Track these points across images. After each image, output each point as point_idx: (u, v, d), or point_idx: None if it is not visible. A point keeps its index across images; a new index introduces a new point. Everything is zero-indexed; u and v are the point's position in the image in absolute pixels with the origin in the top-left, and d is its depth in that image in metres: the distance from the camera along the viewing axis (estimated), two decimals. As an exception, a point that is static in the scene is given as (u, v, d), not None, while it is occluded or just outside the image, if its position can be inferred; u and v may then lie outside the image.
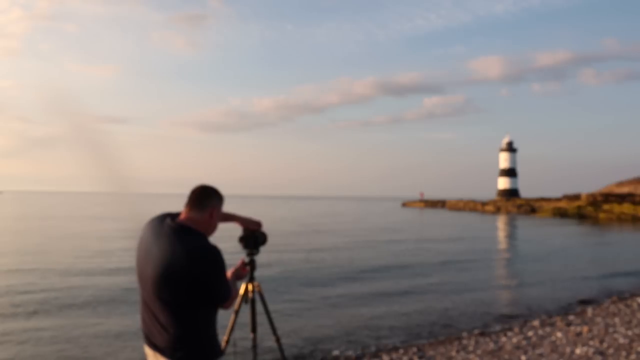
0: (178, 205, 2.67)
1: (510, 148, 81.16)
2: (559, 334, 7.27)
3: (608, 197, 53.74)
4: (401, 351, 6.83)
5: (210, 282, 2.28)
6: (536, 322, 8.30)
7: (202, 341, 2.38)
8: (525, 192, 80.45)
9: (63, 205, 76.63)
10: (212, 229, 2.47)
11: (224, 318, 4.05)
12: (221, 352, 2.45)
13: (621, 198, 52.27)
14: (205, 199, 2.42)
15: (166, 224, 2.36)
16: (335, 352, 7.00)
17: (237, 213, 2.93)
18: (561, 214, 54.07)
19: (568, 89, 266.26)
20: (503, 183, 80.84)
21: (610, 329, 7.47)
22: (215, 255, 2.29)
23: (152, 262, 2.29)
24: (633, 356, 6.00)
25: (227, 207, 2.68)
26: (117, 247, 19.11)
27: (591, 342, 6.73)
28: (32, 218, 40.16)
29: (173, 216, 2.42)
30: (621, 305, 9.63)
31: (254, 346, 3.38)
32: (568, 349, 6.44)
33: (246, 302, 3.34)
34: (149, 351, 2.43)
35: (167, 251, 2.26)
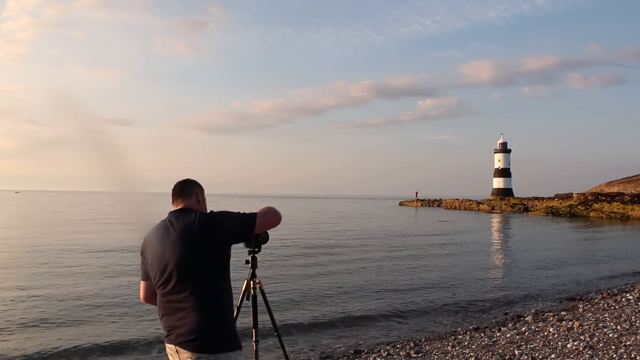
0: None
1: (505, 149, 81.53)
2: (551, 329, 7.43)
3: (598, 196, 54.18)
4: (398, 346, 6.96)
5: (224, 222, 2.44)
6: (529, 318, 8.46)
7: (226, 326, 2.42)
8: (519, 191, 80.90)
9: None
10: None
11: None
12: (240, 346, 2.47)
13: (611, 197, 52.74)
14: (187, 187, 2.63)
15: (166, 218, 2.54)
16: (335, 347, 7.12)
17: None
18: (553, 212, 54.48)
19: (556, 93, 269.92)
20: (498, 183, 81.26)
21: (601, 324, 7.64)
22: (217, 213, 2.50)
23: (168, 248, 2.42)
24: (622, 350, 6.16)
25: (229, 206, 2.79)
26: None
27: (582, 337, 6.88)
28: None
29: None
30: (611, 301, 9.82)
31: (256, 342, 3.48)
32: (560, 344, 6.60)
33: (248, 298, 3.44)
34: (170, 348, 2.45)
35: (179, 231, 2.43)
